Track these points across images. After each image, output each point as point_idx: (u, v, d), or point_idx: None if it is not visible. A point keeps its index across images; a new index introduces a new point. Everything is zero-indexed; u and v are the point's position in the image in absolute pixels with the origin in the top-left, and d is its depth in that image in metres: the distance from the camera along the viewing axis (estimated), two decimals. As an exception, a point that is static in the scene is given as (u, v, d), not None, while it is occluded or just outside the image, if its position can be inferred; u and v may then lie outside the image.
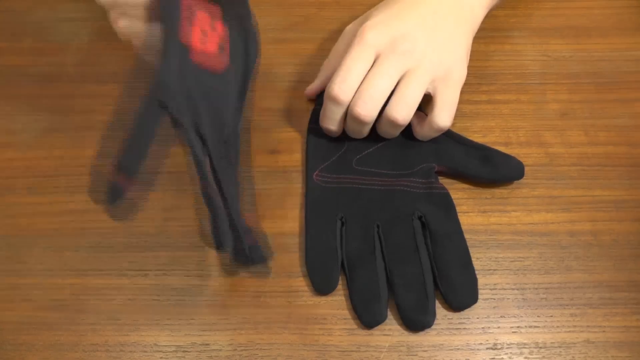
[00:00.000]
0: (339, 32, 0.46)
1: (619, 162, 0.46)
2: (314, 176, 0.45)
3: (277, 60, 0.51)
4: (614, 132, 0.48)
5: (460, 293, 0.40)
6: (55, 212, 0.45)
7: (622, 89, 0.50)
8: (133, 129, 0.32)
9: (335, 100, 0.42)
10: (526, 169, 0.45)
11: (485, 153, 0.45)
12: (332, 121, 0.44)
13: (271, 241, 0.43)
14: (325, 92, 0.42)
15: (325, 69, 0.47)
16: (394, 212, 0.43)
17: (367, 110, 0.41)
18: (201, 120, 0.35)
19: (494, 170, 0.44)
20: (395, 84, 0.41)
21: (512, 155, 0.45)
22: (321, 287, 0.41)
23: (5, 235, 0.44)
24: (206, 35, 0.35)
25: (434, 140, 0.45)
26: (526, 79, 0.50)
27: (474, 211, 0.44)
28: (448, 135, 0.45)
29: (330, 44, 0.47)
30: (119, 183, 0.33)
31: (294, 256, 0.43)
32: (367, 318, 0.40)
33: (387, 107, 0.42)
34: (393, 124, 0.42)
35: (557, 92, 0.50)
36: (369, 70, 0.41)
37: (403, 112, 0.41)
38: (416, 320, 0.39)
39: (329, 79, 0.45)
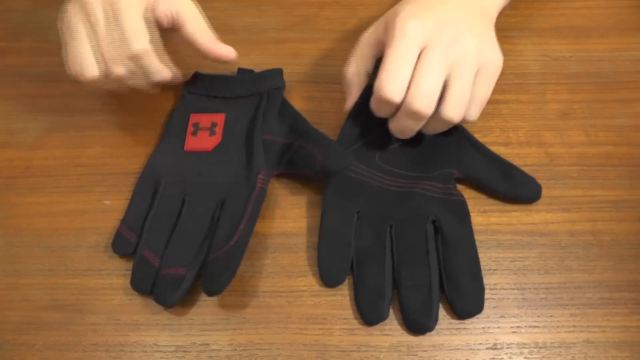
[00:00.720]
0: (339, 32, 0.47)
1: (619, 162, 0.46)
2: None
3: (277, 60, 0.51)
4: (614, 132, 0.48)
5: (467, 301, 0.40)
6: (55, 212, 0.45)
7: (622, 89, 0.50)
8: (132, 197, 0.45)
9: (388, 102, 0.40)
10: (526, 169, 0.45)
11: (507, 169, 0.45)
12: (384, 116, 0.43)
13: (271, 241, 0.43)
14: (375, 93, 0.41)
15: (352, 78, 0.45)
16: (408, 213, 0.43)
17: (426, 106, 0.40)
18: (190, 186, 0.44)
19: (512, 187, 0.44)
20: (445, 75, 0.40)
21: (513, 154, 0.45)
22: (329, 279, 0.41)
23: (5, 235, 0.44)
24: (198, 128, 0.47)
25: (458, 146, 0.45)
26: (526, 79, 0.50)
27: (474, 211, 0.44)
28: (473, 144, 0.45)
29: (330, 43, 0.47)
30: (125, 236, 0.43)
31: (294, 256, 0.43)
32: (370, 316, 0.40)
33: (442, 108, 0.40)
34: (447, 123, 0.42)
35: (557, 92, 0.50)
36: (417, 62, 0.40)
37: (458, 111, 0.41)
38: (419, 323, 0.39)
39: (360, 88, 0.44)
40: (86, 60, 0.41)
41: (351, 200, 0.43)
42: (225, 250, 0.39)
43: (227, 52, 0.45)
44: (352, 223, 0.43)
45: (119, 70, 0.42)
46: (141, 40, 0.41)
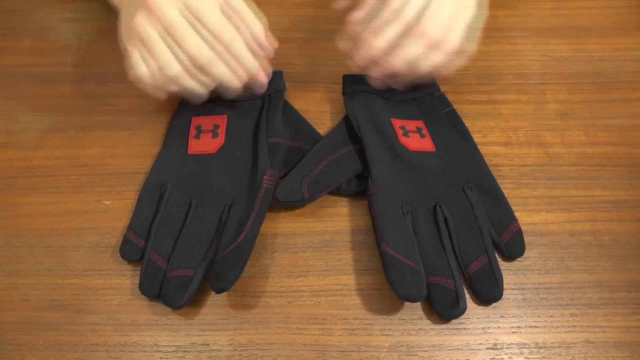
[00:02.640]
0: (338, 32, 0.46)
1: (619, 162, 0.46)
2: None
3: (277, 60, 0.51)
4: (614, 132, 0.48)
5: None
6: (55, 212, 0.45)
7: (622, 89, 0.50)
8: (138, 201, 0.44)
9: None
10: (526, 169, 0.45)
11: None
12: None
13: (271, 241, 0.43)
14: None
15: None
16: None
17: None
18: (196, 190, 0.44)
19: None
20: None
21: (513, 154, 0.45)
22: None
23: (5, 235, 0.44)
24: (200, 131, 0.47)
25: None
26: (526, 79, 0.50)
27: (474, 211, 0.44)
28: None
29: (330, 44, 0.47)
30: (133, 241, 0.42)
31: (294, 256, 0.43)
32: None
33: None
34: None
35: (557, 92, 0.50)
36: None
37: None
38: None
39: None
40: (165, 60, 0.42)
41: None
42: (232, 247, 0.40)
43: (262, 81, 0.47)
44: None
45: (215, 68, 0.43)
46: (229, 31, 0.43)
